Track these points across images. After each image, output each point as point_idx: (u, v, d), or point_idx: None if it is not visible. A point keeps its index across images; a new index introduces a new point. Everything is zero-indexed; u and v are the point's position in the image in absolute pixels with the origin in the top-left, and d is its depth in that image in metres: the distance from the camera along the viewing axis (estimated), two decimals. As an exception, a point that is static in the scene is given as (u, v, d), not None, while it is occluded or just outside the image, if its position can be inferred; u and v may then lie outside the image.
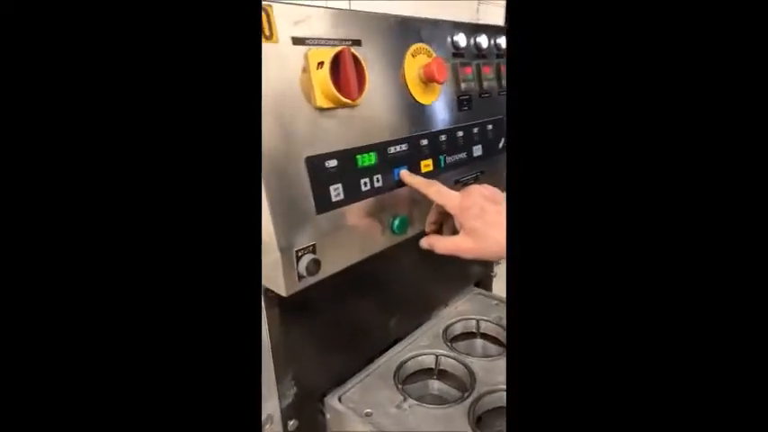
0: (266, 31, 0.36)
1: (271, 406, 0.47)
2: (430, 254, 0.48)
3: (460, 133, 0.58)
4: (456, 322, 0.71)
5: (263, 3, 0.36)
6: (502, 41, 0.62)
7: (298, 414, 0.50)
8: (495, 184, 0.48)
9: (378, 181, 0.47)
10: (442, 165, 0.56)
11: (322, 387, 0.55)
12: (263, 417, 0.46)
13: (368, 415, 0.52)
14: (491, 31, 0.61)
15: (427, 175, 0.53)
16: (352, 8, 0.46)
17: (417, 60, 0.51)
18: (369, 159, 0.46)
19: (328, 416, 0.54)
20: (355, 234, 0.46)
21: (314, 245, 0.41)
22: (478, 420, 0.54)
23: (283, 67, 0.38)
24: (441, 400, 0.58)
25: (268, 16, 0.36)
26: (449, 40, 0.56)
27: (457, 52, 0.57)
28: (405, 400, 0.54)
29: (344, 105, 0.41)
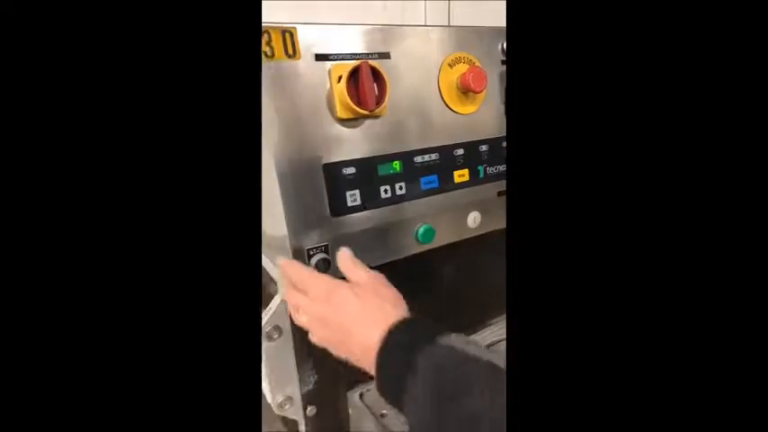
0: (290, 50, 0.40)
1: (290, 388, 0.51)
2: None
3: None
4: (500, 341, 0.67)
5: (288, 25, 0.40)
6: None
7: (317, 402, 0.54)
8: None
9: (401, 189, 0.48)
10: (481, 175, 0.54)
11: (347, 380, 0.58)
12: (282, 397, 0.51)
13: (383, 416, 0.53)
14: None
15: (462, 185, 0.53)
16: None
17: (456, 69, 0.50)
18: (392, 168, 0.47)
19: (350, 410, 0.57)
20: (372, 239, 0.48)
21: (326, 245, 0.44)
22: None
23: (306, 82, 0.42)
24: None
25: (292, 36, 0.40)
26: (499, 47, 0.54)
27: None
28: (424, 409, 0.54)
29: (363, 116, 0.43)
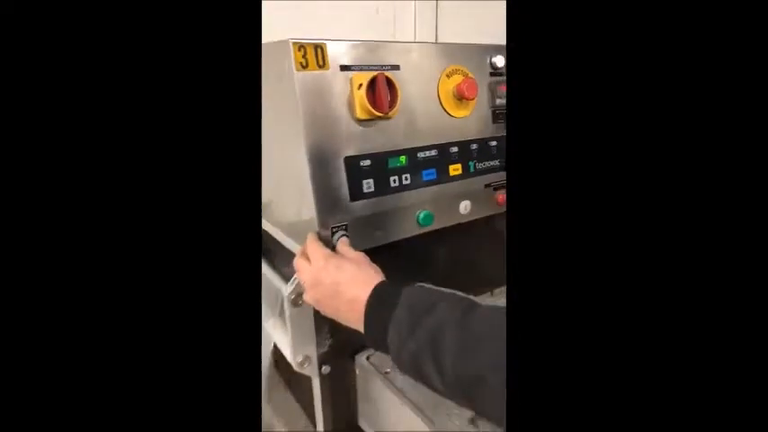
0: (320, 62, 0.49)
1: (309, 349, 0.60)
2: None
3: (494, 143, 0.66)
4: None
5: (319, 41, 0.49)
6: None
7: (331, 362, 0.62)
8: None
9: (406, 179, 0.57)
10: (472, 169, 0.64)
11: (357, 345, 0.67)
12: (301, 357, 0.59)
13: (386, 374, 0.62)
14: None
15: (456, 178, 0.62)
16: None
17: (453, 80, 0.60)
18: (399, 161, 0.57)
19: (358, 371, 0.66)
20: (383, 221, 0.57)
21: (346, 224, 0.53)
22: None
23: (332, 88, 0.50)
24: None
25: (322, 50, 0.49)
26: (488, 61, 0.64)
27: (494, 72, 0.64)
28: (421, 368, 0.63)
29: (379, 117, 0.52)
